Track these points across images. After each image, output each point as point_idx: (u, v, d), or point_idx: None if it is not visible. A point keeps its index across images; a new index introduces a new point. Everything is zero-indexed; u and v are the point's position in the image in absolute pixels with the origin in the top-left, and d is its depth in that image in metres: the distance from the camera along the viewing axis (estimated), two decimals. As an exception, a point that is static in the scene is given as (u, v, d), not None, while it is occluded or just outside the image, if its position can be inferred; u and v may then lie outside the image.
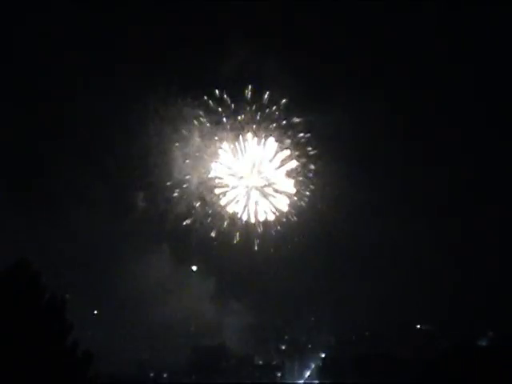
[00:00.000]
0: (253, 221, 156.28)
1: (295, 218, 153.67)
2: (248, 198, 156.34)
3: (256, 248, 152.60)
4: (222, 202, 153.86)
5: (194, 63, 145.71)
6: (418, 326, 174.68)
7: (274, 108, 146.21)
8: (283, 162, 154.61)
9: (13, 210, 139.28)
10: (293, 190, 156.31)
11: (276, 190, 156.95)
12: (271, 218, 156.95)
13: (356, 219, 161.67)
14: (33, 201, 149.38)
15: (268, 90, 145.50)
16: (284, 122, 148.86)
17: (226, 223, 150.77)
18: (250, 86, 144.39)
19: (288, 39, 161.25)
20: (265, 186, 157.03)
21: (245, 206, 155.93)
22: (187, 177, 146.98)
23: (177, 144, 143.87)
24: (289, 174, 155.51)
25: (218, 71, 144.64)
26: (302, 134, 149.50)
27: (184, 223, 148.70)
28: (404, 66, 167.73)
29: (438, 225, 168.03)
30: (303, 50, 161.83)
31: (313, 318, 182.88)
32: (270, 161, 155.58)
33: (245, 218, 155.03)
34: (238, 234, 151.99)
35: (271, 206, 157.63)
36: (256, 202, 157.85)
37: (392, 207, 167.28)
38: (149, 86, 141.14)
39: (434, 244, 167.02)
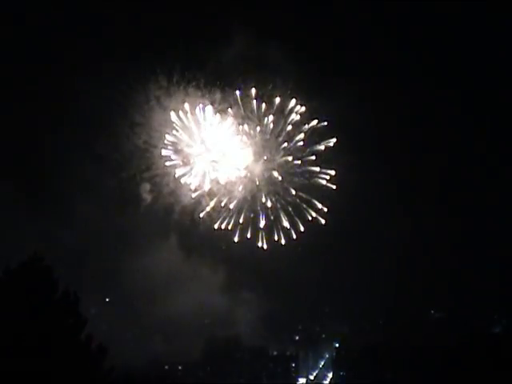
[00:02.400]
0: (265, 246, 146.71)
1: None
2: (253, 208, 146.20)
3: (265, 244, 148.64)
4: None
5: (194, 52, 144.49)
6: (432, 313, 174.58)
7: (279, 99, 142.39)
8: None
9: (20, 205, 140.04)
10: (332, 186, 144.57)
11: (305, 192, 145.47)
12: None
13: (368, 209, 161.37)
14: (39, 196, 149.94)
15: (271, 77, 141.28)
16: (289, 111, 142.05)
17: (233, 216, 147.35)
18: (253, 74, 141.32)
19: (290, 25, 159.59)
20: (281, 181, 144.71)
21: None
22: (193, 168, 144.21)
23: (181, 134, 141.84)
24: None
25: (219, 60, 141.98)
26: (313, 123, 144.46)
27: (190, 218, 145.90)
28: (414, 52, 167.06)
29: (450, 213, 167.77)
30: (306, 35, 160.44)
31: (327, 309, 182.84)
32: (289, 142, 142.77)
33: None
34: (239, 229, 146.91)
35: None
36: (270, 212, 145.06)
37: (403, 196, 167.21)
38: (150, 75, 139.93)
39: (447, 232, 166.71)
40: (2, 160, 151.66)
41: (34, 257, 32.94)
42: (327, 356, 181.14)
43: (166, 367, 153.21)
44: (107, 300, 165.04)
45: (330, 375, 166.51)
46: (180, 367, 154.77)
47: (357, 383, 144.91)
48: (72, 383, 30.38)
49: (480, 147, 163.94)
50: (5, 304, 30.87)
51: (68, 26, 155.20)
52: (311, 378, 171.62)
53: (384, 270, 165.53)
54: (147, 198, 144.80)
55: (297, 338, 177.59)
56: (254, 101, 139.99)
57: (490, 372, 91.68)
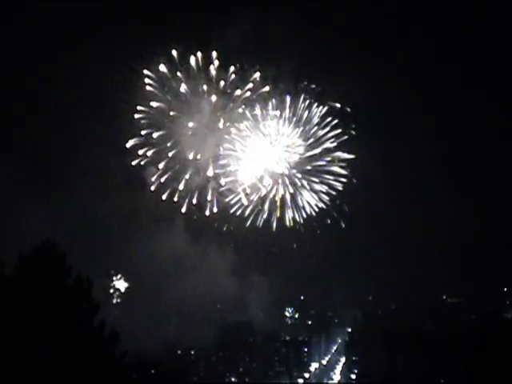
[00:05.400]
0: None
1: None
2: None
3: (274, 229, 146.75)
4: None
5: (195, 31, 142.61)
6: (445, 298, 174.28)
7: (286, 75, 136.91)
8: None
9: (27, 192, 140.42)
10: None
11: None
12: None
13: (381, 195, 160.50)
14: (45, 183, 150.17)
15: (275, 56, 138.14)
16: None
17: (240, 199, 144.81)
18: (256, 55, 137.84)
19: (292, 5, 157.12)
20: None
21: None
22: (199, 152, 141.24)
23: (184, 117, 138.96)
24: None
25: (221, 39, 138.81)
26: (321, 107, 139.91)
27: (197, 201, 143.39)
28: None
29: (463, 198, 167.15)
30: (310, 12, 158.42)
31: (339, 294, 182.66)
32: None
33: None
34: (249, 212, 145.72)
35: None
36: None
37: (416, 179, 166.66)
38: (151, 57, 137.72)
39: (461, 217, 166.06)
40: (8, 147, 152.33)
41: (46, 243, 33.05)
42: (340, 341, 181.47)
43: (179, 352, 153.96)
44: (120, 285, 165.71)
45: (343, 360, 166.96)
46: (192, 352, 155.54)
47: (369, 368, 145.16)
48: (85, 368, 30.58)
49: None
50: (18, 290, 31.10)
51: (67, 12, 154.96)
52: (324, 362, 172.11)
53: (397, 256, 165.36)
54: (153, 181, 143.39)
55: (309, 322, 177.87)
56: (257, 75, 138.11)
57: (502, 357, 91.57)
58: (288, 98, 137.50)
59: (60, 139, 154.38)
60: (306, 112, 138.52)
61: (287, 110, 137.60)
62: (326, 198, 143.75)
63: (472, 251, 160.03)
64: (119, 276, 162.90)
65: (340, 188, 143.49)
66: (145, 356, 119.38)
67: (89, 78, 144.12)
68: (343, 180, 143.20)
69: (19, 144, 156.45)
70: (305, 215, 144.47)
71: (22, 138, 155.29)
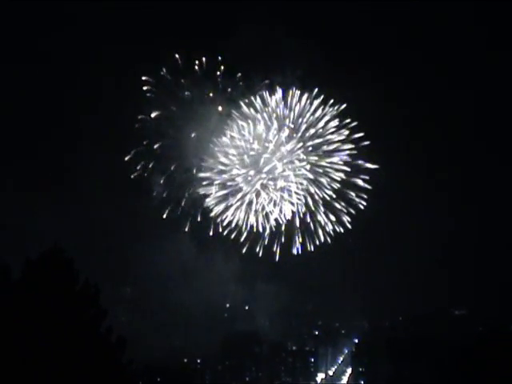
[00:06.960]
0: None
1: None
2: None
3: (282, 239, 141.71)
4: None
5: (200, 37, 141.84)
6: (452, 310, 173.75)
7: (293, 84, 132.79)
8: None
9: (37, 195, 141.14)
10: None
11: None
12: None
13: (388, 207, 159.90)
14: (56, 189, 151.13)
15: (281, 62, 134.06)
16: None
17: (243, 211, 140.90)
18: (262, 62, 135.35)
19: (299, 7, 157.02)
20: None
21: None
22: (204, 161, 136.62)
23: (191, 127, 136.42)
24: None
25: (226, 45, 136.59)
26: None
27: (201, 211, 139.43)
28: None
29: (472, 213, 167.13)
30: (316, 17, 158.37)
31: (347, 305, 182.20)
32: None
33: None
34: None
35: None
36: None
37: (423, 195, 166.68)
38: (157, 65, 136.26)
39: (467, 231, 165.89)
40: (17, 155, 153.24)
41: (54, 248, 32.97)
42: (346, 352, 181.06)
43: (185, 360, 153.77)
44: (127, 291, 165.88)
45: (349, 371, 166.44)
46: (199, 360, 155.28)
47: (376, 380, 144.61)
48: (92, 375, 30.51)
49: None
50: (25, 295, 31.05)
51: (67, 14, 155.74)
52: (330, 373, 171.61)
53: (405, 268, 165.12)
54: (159, 190, 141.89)
55: (316, 333, 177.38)
56: (265, 82, 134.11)
57: (506, 370, 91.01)
58: (297, 92, 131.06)
59: (68, 147, 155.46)
60: (320, 111, 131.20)
61: (296, 108, 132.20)
62: (346, 219, 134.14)
63: (479, 263, 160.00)
64: (126, 283, 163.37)
65: (361, 206, 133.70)
66: (151, 363, 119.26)
67: (90, 82, 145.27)
68: (365, 196, 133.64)
69: (28, 152, 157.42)
70: (318, 242, 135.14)
71: (30, 146, 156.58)
